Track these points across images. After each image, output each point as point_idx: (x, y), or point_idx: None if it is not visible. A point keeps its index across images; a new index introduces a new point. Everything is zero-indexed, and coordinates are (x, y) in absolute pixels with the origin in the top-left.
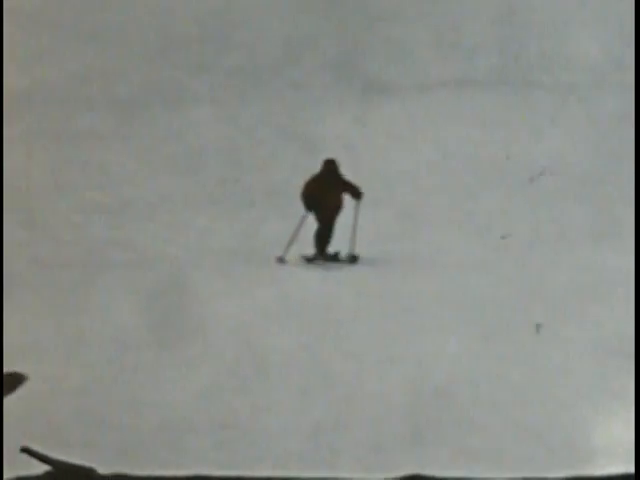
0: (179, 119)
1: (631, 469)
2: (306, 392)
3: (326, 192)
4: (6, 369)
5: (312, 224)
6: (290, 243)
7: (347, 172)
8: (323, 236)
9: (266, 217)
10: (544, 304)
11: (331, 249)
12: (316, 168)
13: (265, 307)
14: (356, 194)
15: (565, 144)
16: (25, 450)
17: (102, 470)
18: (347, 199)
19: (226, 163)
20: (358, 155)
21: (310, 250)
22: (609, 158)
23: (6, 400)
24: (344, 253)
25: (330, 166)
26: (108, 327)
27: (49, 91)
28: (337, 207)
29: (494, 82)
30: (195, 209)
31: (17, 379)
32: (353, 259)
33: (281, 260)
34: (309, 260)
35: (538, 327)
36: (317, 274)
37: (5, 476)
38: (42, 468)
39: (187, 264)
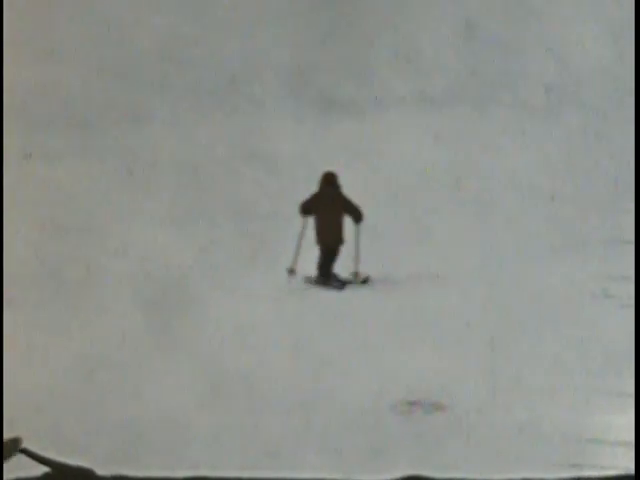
0: (136, 136)
1: (631, 470)
2: (305, 393)
3: (326, 209)
4: None
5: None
6: (297, 253)
7: (306, 187)
8: (324, 259)
9: (225, 234)
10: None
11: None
12: (275, 185)
13: (232, 324)
14: (356, 217)
15: (524, 161)
16: (23, 451)
17: (101, 471)
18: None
19: (184, 180)
20: (316, 171)
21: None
22: (569, 174)
23: (5, 401)
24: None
25: (330, 179)
26: (69, 346)
27: (8, 109)
28: (337, 226)
29: (452, 99)
30: (153, 227)
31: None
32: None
33: (292, 272)
34: (313, 282)
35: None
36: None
37: (4, 477)
38: (41, 469)
39: (150, 281)
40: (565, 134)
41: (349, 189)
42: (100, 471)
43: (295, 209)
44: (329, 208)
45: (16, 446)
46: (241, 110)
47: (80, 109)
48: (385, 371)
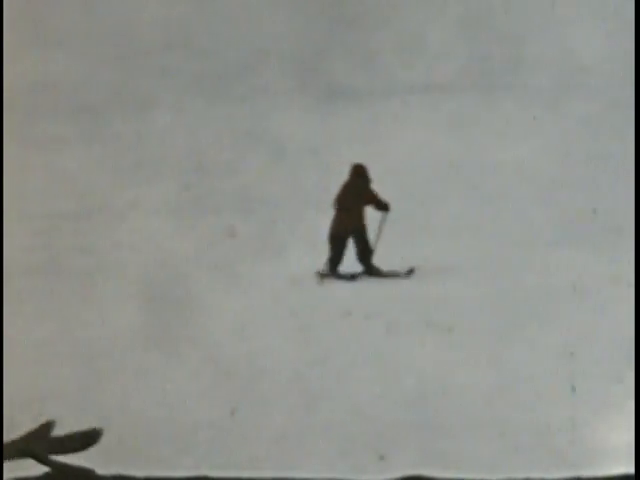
0: (144, 125)
1: (631, 470)
2: (307, 391)
3: (346, 200)
4: None
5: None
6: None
7: (313, 176)
8: (335, 253)
9: (233, 223)
10: (524, 305)
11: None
12: (282, 174)
13: (237, 314)
14: (381, 207)
15: (533, 148)
16: (24, 451)
17: (101, 471)
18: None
19: (191, 169)
20: (324, 160)
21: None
22: (577, 162)
23: (6, 401)
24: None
25: (358, 171)
26: (74, 335)
27: (13, 97)
28: (357, 219)
29: (460, 86)
30: (159, 216)
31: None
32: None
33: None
34: (322, 276)
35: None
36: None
37: (4, 477)
38: (41, 469)
39: (154, 271)
40: (574, 122)
41: None
42: (100, 471)
43: (302, 199)
44: (349, 199)
45: (49, 429)
46: (249, 98)
47: (86, 97)
48: (390, 365)
